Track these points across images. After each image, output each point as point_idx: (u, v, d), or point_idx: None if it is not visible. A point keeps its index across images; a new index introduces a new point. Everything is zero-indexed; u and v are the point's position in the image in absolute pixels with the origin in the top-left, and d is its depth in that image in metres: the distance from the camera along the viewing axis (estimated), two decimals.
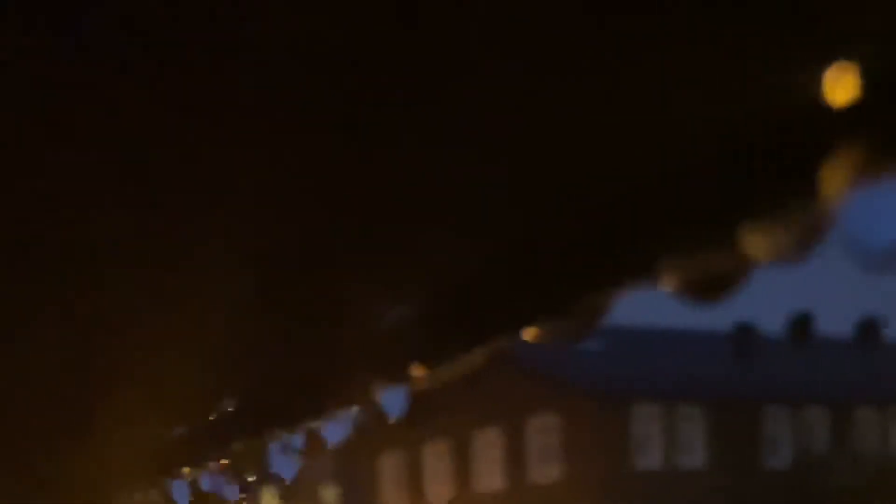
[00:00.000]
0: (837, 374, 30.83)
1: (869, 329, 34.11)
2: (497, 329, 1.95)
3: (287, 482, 3.26)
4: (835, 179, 1.27)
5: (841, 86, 1.23)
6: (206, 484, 3.38)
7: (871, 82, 1.21)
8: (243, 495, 3.27)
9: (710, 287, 1.54)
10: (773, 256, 1.42)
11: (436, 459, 30.84)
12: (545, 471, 28.32)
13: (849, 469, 28.18)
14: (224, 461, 3.19)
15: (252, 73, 1.50)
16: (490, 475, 29.65)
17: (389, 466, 31.88)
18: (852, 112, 1.23)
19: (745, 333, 31.42)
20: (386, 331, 2.15)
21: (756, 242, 1.41)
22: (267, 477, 3.19)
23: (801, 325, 32.90)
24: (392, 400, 2.32)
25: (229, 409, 2.94)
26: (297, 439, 2.81)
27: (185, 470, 3.36)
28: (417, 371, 2.13)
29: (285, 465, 3.00)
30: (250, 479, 3.23)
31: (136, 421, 3.00)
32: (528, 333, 1.85)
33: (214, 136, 1.65)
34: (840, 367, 31.19)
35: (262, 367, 2.59)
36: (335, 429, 2.64)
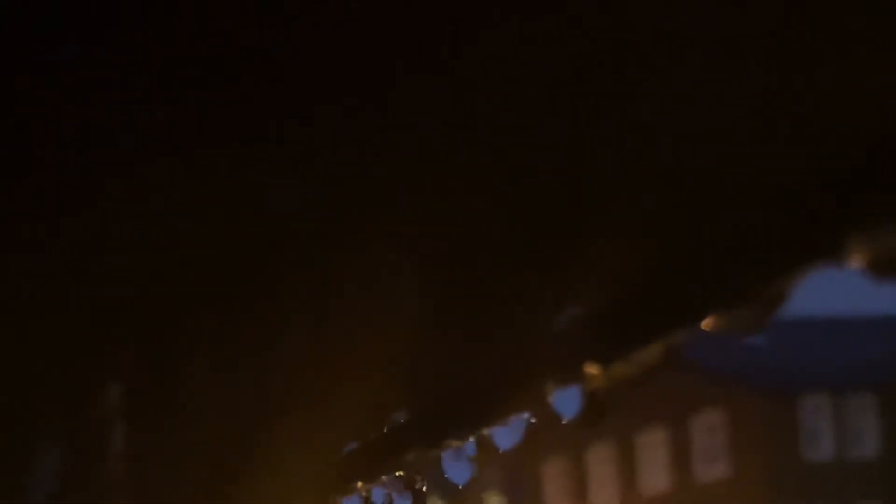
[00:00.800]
0: None
1: None
2: (674, 322, 1.90)
3: (459, 489, 3.23)
4: None
5: None
6: (378, 497, 3.37)
7: None
8: None
9: None
10: None
11: (600, 462, 30.67)
12: (712, 469, 27.96)
13: None
14: (397, 473, 3.18)
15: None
16: (656, 476, 29.38)
17: (553, 471, 31.81)
18: None
19: None
20: (560, 330, 2.11)
21: None
22: (438, 485, 3.17)
23: None
24: (566, 400, 2.28)
25: (402, 421, 2.93)
26: (470, 447, 2.79)
27: (359, 484, 3.36)
28: (593, 369, 2.08)
29: (457, 472, 2.98)
30: (422, 488, 3.21)
31: (310, 439, 3.01)
32: (707, 325, 1.80)
33: (391, 148, 1.64)
34: None
35: (433, 375, 2.57)
36: (506, 434, 2.61)
